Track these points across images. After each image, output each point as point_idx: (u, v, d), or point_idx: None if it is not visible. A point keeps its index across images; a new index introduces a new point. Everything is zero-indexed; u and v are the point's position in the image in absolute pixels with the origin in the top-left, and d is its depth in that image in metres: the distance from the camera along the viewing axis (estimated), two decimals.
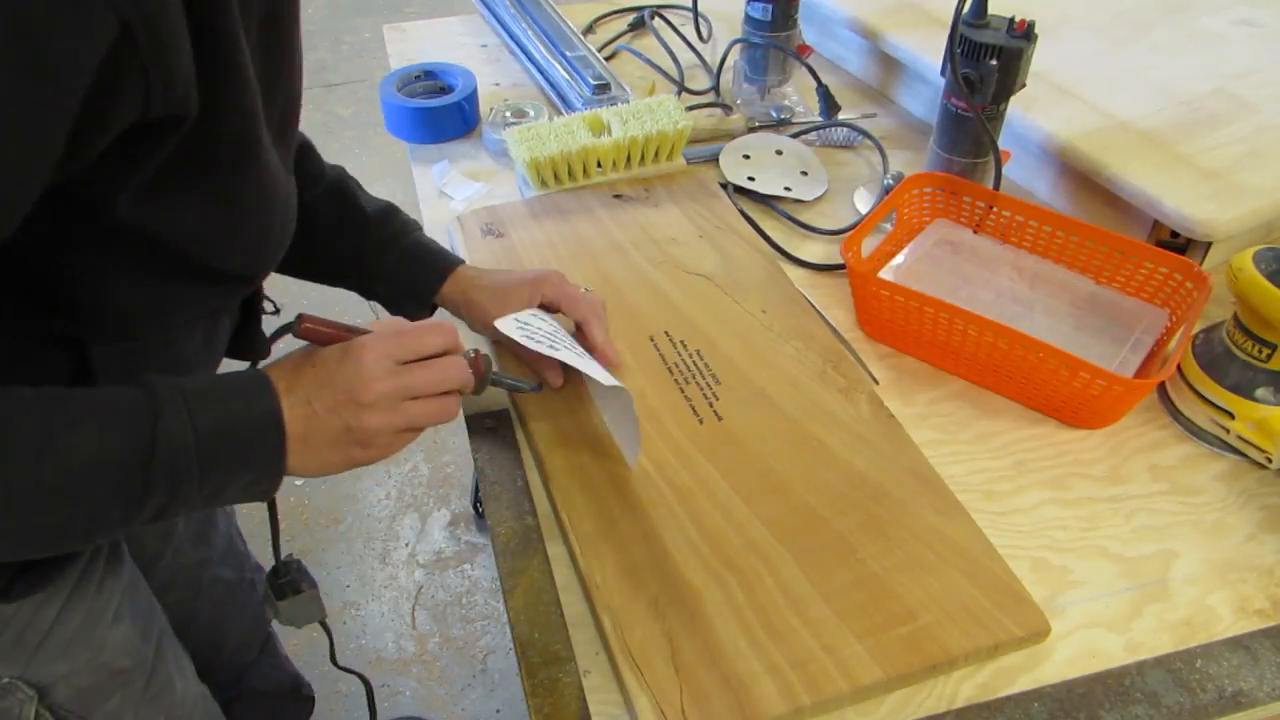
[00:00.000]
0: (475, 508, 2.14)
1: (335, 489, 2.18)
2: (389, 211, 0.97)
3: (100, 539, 0.69)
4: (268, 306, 0.96)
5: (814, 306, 1.04)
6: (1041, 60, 1.09)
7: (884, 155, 1.30)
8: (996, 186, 1.09)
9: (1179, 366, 0.97)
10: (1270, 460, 0.91)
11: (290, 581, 0.93)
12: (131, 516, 0.64)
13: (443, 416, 0.74)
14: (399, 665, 1.88)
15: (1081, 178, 1.16)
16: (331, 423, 0.69)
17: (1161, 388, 1.00)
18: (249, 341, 0.94)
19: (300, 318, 0.72)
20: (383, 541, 2.10)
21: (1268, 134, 1.14)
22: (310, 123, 3.13)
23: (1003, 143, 1.10)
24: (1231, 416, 0.92)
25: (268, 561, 0.93)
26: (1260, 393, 0.91)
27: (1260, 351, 0.91)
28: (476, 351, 0.80)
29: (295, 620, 0.94)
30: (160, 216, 0.64)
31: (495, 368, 0.87)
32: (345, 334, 0.73)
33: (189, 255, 0.69)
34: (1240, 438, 0.92)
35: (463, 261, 0.98)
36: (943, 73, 1.07)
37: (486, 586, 2.01)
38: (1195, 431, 0.95)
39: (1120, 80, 1.23)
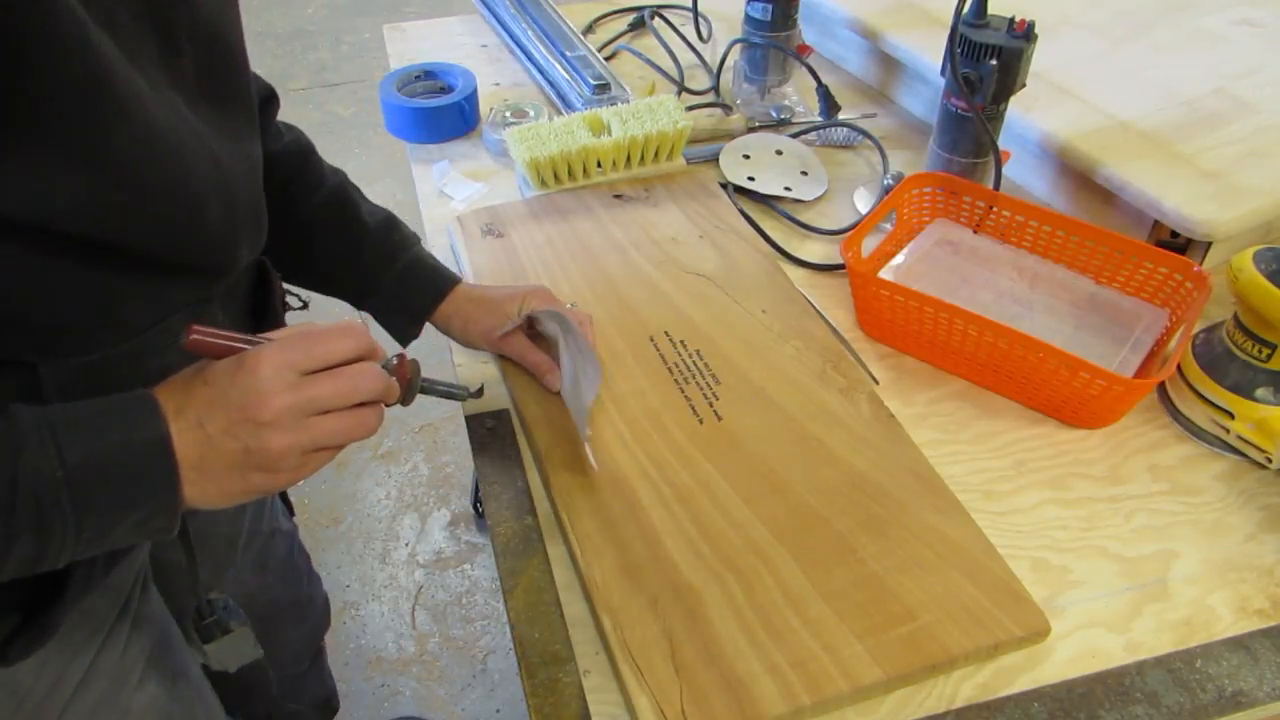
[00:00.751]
0: (475, 508, 2.15)
1: (335, 489, 2.18)
2: (389, 224, 0.95)
3: None
4: (294, 302, 0.93)
5: (814, 306, 1.04)
6: (1041, 60, 1.09)
7: (884, 155, 1.29)
8: (996, 186, 1.09)
9: (1179, 366, 0.97)
10: (1270, 460, 0.91)
11: (217, 621, 0.84)
12: None
13: (358, 432, 0.66)
14: (399, 665, 1.88)
15: (1081, 178, 1.15)
16: (228, 446, 0.61)
17: (1161, 388, 0.99)
18: None
19: (188, 328, 0.63)
20: (383, 541, 2.11)
21: (1268, 134, 1.13)
22: (310, 122, 3.14)
23: (1002, 143, 1.10)
24: (1231, 416, 0.92)
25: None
26: (1260, 393, 0.91)
27: (1260, 351, 0.91)
28: (401, 356, 0.74)
29: (227, 663, 0.86)
30: (5, 194, 0.56)
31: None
32: (241, 345, 0.64)
33: (87, 239, 0.61)
34: (1240, 438, 0.92)
35: (459, 279, 0.96)
36: (943, 73, 1.07)
37: (486, 586, 2.02)
38: (1195, 431, 0.95)
39: (1120, 80, 1.23)
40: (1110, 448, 0.95)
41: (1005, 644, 0.75)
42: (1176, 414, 0.97)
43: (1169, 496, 0.90)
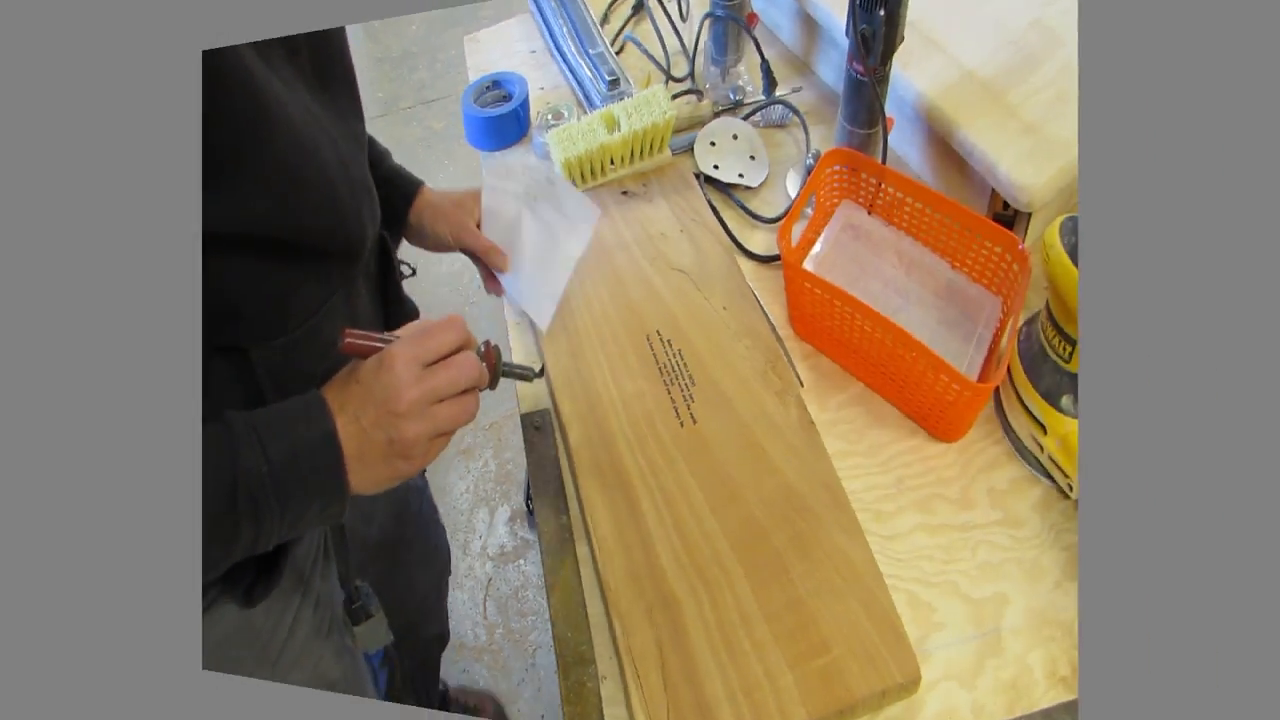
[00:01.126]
0: (527, 504, 2.21)
1: (431, 481, 2.18)
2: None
3: (203, 579, 0.70)
4: (405, 270, 0.97)
5: (759, 302, 1.04)
6: (912, 9, 1.01)
7: (807, 132, 1.25)
8: (884, 158, 1.05)
9: (1009, 368, 0.84)
10: (1071, 489, 0.80)
11: (362, 607, 0.92)
12: (228, 553, 0.65)
13: (465, 418, 0.72)
14: (474, 652, 1.99)
15: (942, 144, 1.08)
16: (377, 437, 0.67)
17: (996, 394, 0.88)
18: (397, 308, 0.93)
19: (343, 333, 0.70)
20: (464, 534, 2.20)
21: (1069, 71, 1.04)
22: (412, 139, 3.21)
23: (888, 108, 1.06)
24: (1045, 431, 0.81)
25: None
26: (1065, 401, 0.79)
27: (1065, 350, 0.77)
28: (487, 343, 0.77)
29: (368, 644, 0.93)
30: (220, 218, 0.61)
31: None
32: (380, 344, 0.70)
33: (273, 240, 0.68)
34: (1050, 458, 0.81)
35: (423, 182, 1.02)
36: (846, 32, 1.01)
37: (536, 582, 2.09)
38: (1020, 449, 0.84)
39: (964, 20, 1.14)
40: (961, 466, 0.88)
41: (890, 691, 0.75)
42: (1007, 427, 0.85)
43: (1001, 528, 0.84)
